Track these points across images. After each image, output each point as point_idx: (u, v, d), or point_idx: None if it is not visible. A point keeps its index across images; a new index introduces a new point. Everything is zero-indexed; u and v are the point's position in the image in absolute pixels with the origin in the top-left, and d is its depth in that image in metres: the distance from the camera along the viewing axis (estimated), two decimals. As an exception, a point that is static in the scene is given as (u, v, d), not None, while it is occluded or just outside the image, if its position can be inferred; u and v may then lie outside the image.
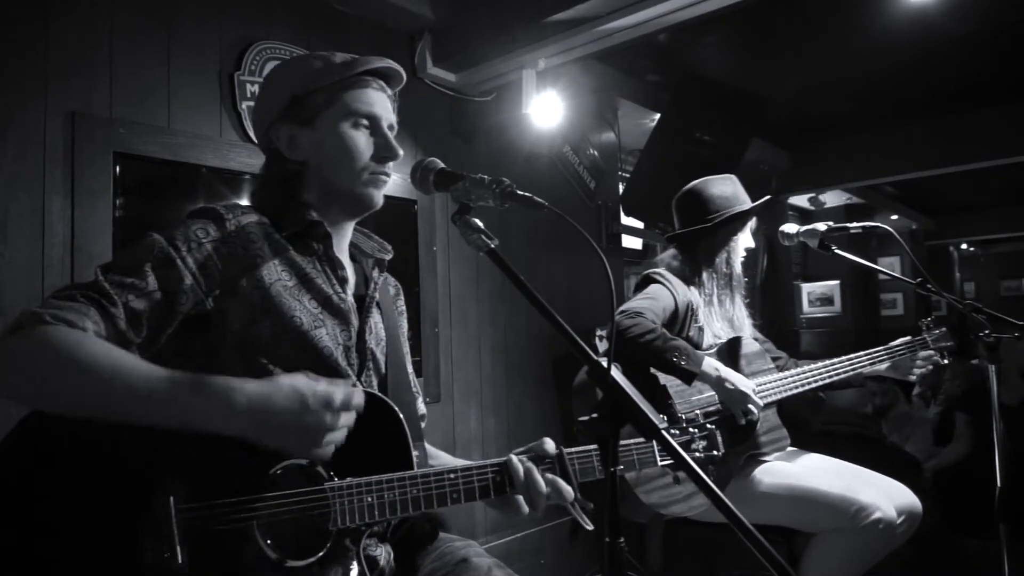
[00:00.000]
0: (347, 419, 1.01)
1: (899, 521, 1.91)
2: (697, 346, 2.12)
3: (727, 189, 2.27)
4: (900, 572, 2.22)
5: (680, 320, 2.14)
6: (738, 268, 2.24)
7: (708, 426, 1.41)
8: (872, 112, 4.80)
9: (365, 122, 1.25)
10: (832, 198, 6.87)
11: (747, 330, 2.26)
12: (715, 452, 1.39)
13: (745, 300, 2.29)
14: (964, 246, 10.35)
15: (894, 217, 7.80)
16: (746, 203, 2.25)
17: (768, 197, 2.30)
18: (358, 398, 1.02)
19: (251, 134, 2.38)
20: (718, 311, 2.20)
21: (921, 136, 5.00)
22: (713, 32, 3.40)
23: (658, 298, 2.10)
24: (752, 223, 2.30)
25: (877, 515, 1.84)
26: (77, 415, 0.95)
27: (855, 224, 2.19)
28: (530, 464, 1.18)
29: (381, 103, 1.27)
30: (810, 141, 5.29)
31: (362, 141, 1.24)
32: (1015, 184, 6.69)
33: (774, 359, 2.30)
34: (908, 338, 2.23)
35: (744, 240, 2.27)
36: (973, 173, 5.26)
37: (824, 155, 5.40)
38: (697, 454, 1.36)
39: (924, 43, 3.53)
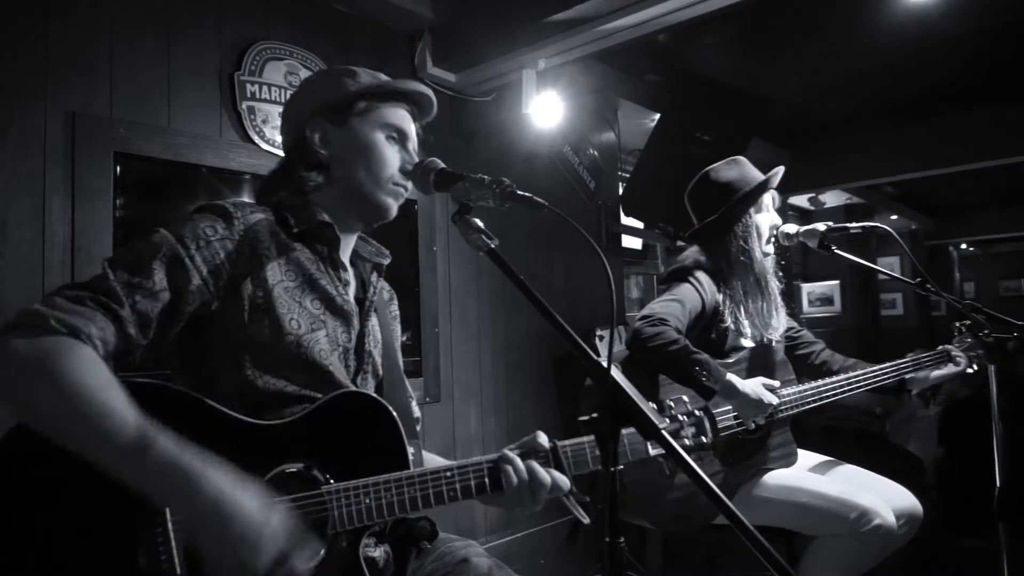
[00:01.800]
0: (291, 568, 0.94)
1: (899, 524, 1.90)
2: (721, 347, 2.05)
3: (732, 173, 2.15)
4: (900, 572, 2.22)
5: (706, 320, 2.05)
6: (758, 253, 2.09)
7: (696, 412, 1.39)
8: (872, 112, 4.79)
9: (396, 135, 1.30)
10: (832, 198, 6.86)
11: (780, 322, 2.13)
12: (704, 439, 1.37)
13: (780, 285, 2.14)
14: (964, 246, 10.35)
15: (894, 217, 7.80)
16: (754, 182, 2.13)
17: (781, 168, 2.15)
18: (309, 553, 0.99)
19: (251, 134, 2.38)
20: (746, 308, 2.07)
21: (921, 136, 4.99)
22: (713, 32, 3.39)
23: (684, 300, 2.00)
24: (770, 200, 2.17)
25: (877, 521, 1.83)
26: (45, 435, 0.91)
27: (855, 224, 2.17)
28: (530, 461, 1.18)
29: (410, 125, 1.33)
30: (810, 141, 5.28)
31: (391, 152, 1.28)
32: (1015, 184, 6.68)
33: (807, 350, 2.26)
34: (939, 348, 2.17)
35: (766, 220, 2.13)
36: (973, 173, 5.26)
37: (824, 155, 5.39)
38: (686, 441, 1.35)
39: (924, 43, 3.53)
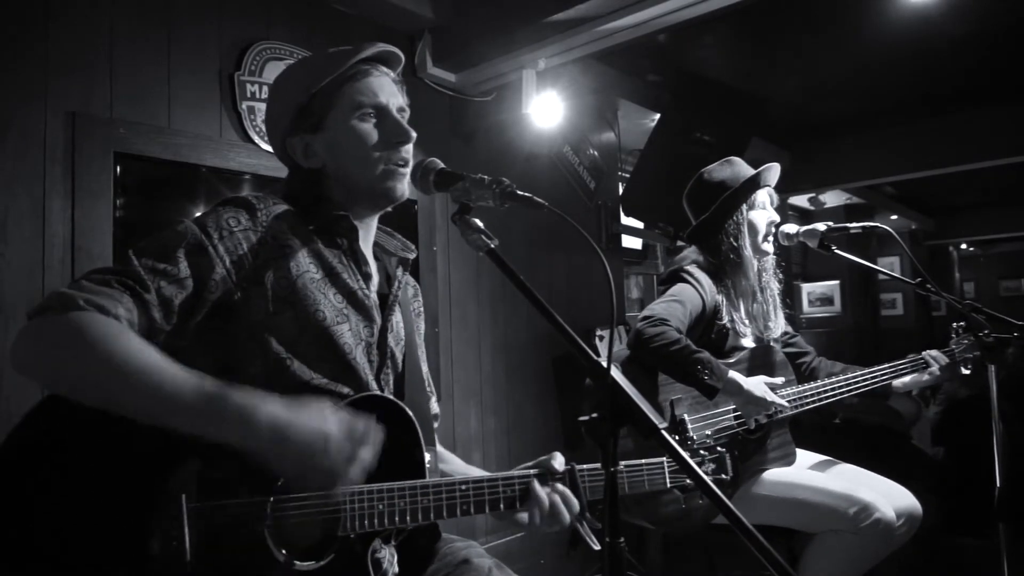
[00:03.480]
0: (364, 461, 0.99)
1: (899, 523, 1.91)
2: (721, 347, 2.05)
3: (725, 173, 2.17)
4: (900, 572, 2.22)
5: (706, 320, 2.05)
6: (748, 252, 2.09)
7: (719, 448, 1.42)
8: (872, 112, 4.80)
9: (371, 111, 1.23)
10: (832, 198, 6.87)
11: (778, 322, 2.14)
12: (723, 475, 1.39)
13: (780, 285, 2.15)
14: (964, 246, 10.36)
15: (894, 217, 7.81)
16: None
17: (771, 165, 2.15)
18: (376, 439, 1.01)
19: (251, 134, 2.38)
20: (742, 307, 2.08)
21: (921, 136, 5.00)
22: (713, 32, 3.39)
23: (685, 300, 2.00)
24: (766, 198, 2.16)
25: (877, 516, 1.83)
26: (95, 406, 0.95)
27: (855, 224, 2.17)
28: (547, 483, 1.19)
29: (385, 89, 1.25)
30: (810, 141, 5.29)
31: (371, 132, 1.23)
32: (1015, 184, 6.69)
33: (800, 359, 2.26)
34: (935, 352, 2.16)
35: (762, 217, 2.13)
36: (973, 173, 5.26)
37: (824, 155, 5.40)
38: (706, 476, 1.37)
39: (924, 43, 3.53)
